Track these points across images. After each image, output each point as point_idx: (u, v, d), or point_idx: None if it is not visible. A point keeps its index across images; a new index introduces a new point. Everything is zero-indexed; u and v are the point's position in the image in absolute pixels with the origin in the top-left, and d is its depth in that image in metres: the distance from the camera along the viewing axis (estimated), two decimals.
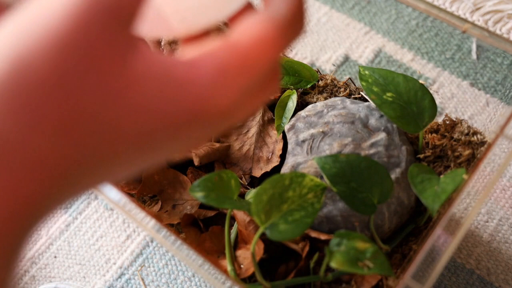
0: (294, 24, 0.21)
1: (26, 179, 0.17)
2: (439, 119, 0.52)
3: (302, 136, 0.48)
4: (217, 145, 0.52)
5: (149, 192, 0.51)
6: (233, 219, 0.48)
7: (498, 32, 0.67)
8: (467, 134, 0.48)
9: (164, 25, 0.23)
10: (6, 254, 0.17)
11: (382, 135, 0.46)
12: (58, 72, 0.17)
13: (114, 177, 0.20)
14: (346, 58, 0.66)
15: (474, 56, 0.63)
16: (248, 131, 0.53)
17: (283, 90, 0.53)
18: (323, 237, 0.43)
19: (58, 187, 0.18)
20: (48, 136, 0.17)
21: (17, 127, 0.16)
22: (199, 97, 0.19)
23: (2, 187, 0.16)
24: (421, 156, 0.48)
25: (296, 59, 0.55)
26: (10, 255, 0.17)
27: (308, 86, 0.53)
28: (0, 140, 0.16)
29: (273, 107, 0.52)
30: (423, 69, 0.64)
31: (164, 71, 0.19)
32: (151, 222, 0.37)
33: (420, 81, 0.48)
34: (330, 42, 0.68)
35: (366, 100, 0.53)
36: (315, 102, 0.52)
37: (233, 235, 0.46)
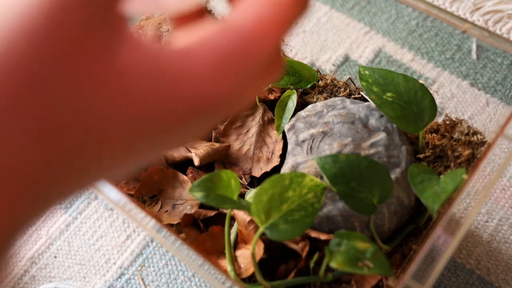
0: (297, 1, 0.19)
1: None
2: (439, 119, 0.52)
3: (302, 136, 0.48)
4: (217, 145, 0.52)
5: (148, 192, 0.51)
6: (233, 219, 0.48)
7: (498, 32, 0.67)
8: (467, 134, 0.48)
9: (153, 1, 0.21)
10: None
11: (382, 135, 0.46)
12: (32, 66, 0.15)
13: (109, 175, 0.19)
14: (346, 58, 0.66)
15: (474, 56, 0.63)
16: (248, 131, 0.53)
17: (283, 90, 0.53)
18: (323, 237, 0.43)
19: (38, 194, 0.16)
20: (21, 140, 0.15)
21: None
22: (198, 88, 0.18)
23: None
24: (421, 156, 0.48)
25: (296, 59, 0.54)
26: None
27: (308, 86, 0.53)
28: None
29: (273, 107, 0.52)
30: (423, 69, 0.64)
31: (157, 61, 0.17)
32: (151, 222, 0.37)
33: (420, 81, 0.48)
34: (330, 42, 0.68)
35: (366, 100, 0.53)
36: (315, 102, 0.52)
37: (233, 235, 0.46)
